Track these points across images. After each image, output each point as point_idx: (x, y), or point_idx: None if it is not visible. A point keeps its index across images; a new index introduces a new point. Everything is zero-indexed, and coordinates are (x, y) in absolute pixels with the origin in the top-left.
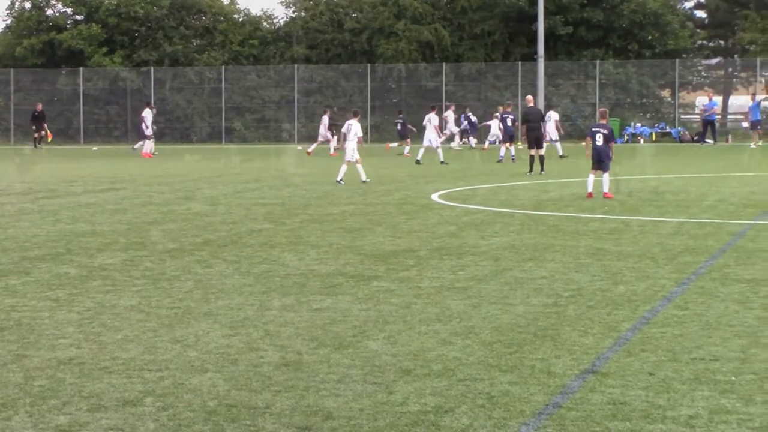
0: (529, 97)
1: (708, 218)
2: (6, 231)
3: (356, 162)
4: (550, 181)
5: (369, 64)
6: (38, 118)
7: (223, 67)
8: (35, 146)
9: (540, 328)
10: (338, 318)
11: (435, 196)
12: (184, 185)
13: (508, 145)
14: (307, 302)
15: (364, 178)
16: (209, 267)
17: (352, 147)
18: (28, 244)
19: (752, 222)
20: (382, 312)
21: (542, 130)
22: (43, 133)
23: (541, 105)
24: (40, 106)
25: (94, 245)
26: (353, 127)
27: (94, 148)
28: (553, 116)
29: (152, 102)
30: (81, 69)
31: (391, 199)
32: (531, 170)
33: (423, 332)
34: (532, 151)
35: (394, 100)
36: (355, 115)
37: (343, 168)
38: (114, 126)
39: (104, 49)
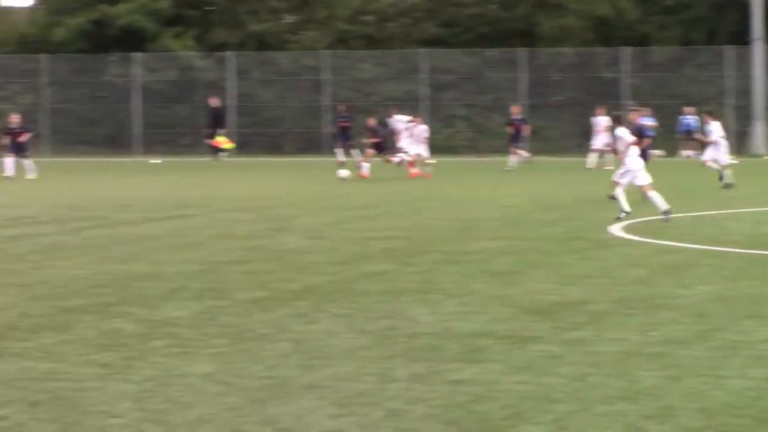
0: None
1: None
2: (39, 272)
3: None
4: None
5: (526, 48)
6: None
7: (325, 51)
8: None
9: (763, 410)
10: (485, 394)
11: (615, 228)
12: (276, 212)
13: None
14: (443, 372)
15: None
16: (311, 323)
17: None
18: (67, 289)
19: None
20: (545, 386)
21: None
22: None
23: (761, 105)
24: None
25: (155, 292)
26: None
27: (155, 161)
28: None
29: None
30: (136, 55)
31: (554, 231)
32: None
33: (602, 414)
34: None
35: (559, 97)
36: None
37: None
38: (182, 131)
39: (175, 29)
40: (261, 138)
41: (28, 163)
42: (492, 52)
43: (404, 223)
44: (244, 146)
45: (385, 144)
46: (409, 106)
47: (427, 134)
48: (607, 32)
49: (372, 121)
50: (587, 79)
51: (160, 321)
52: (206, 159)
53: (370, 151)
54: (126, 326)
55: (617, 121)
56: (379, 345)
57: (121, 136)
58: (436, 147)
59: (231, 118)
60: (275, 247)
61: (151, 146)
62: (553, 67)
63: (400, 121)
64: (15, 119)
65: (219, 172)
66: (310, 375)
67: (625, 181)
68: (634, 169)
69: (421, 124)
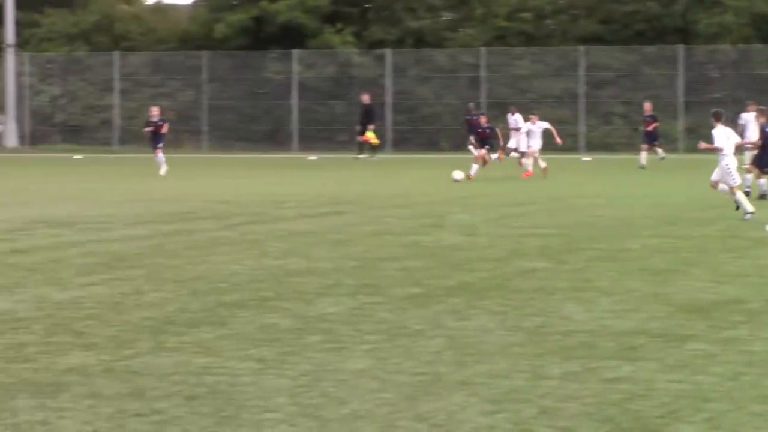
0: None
1: None
2: (196, 267)
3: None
4: None
5: (683, 45)
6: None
7: (483, 49)
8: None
9: None
10: (640, 392)
11: None
12: (431, 209)
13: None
14: (597, 370)
15: None
16: (465, 319)
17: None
18: (224, 285)
19: None
20: (700, 385)
21: None
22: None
23: None
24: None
25: (311, 288)
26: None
27: (312, 157)
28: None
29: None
30: (295, 51)
31: (711, 230)
32: None
33: (757, 414)
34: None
35: (716, 95)
36: None
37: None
38: (339, 128)
39: (336, 26)
40: (417, 135)
41: (160, 156)
42: (650, 49)
43: (559, 221)
44: (400, 143)
45: (492, 141)
46: (566, 103)
47: (544, 126)
48: (767, 29)
49: (484, 119)
50: (746, 76)
51: (315, 316)
52: (361, 156)
53: (482, 152)
54: (282, 321)
55: (717, 118)
56: (533, 342)
57: (279, 132)
58: (592, 144)
59: (387, 115)
60: (430, 244)
61: (308, 143)
62: (710, 64)
63: (519, 121)
64: (155, 111)
65: (375, 168)
66: (463, 371)
67: (736, 180)
68: (733, 168)
69: (538, 121)
